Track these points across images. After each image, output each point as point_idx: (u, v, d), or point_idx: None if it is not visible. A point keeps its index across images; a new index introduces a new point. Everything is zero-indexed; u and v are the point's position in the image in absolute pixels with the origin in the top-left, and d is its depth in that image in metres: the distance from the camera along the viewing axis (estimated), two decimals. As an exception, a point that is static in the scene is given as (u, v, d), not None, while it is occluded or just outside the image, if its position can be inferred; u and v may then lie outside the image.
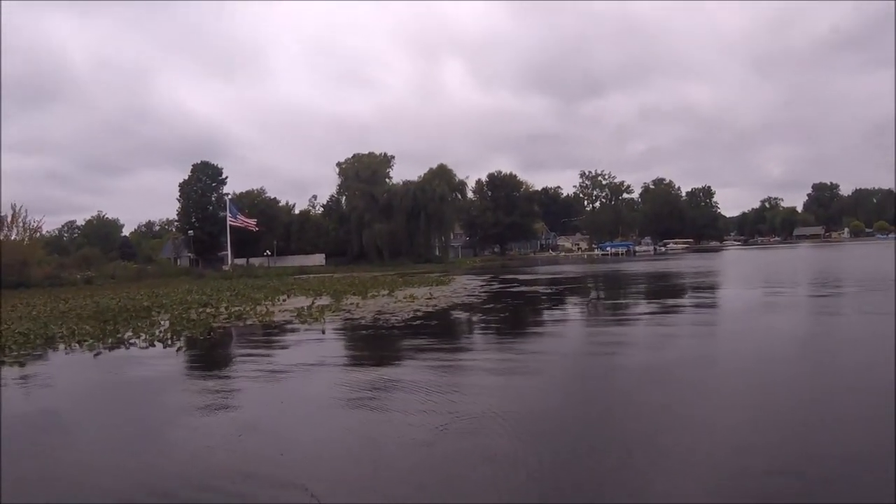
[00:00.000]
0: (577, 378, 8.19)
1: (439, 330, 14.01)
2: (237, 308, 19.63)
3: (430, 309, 17.87)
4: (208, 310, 19.29)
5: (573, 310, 18.13)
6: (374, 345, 12.22)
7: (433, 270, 52.42)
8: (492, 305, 19.34)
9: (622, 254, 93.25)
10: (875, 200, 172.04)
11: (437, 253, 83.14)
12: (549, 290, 25.33)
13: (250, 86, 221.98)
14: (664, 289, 24.46)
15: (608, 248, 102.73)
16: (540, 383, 7.79)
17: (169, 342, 12.76)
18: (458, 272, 48.57)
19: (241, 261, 73.56)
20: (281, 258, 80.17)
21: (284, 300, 22.79)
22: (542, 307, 19.08)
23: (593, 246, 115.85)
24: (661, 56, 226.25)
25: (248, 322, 16.29)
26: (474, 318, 15.96)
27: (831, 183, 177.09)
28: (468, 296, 22.81)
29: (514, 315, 16.83)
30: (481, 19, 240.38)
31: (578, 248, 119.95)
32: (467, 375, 8.51)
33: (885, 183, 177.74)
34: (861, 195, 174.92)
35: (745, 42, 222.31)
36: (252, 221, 67.50)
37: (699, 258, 60.47)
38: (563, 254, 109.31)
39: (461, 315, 16.58)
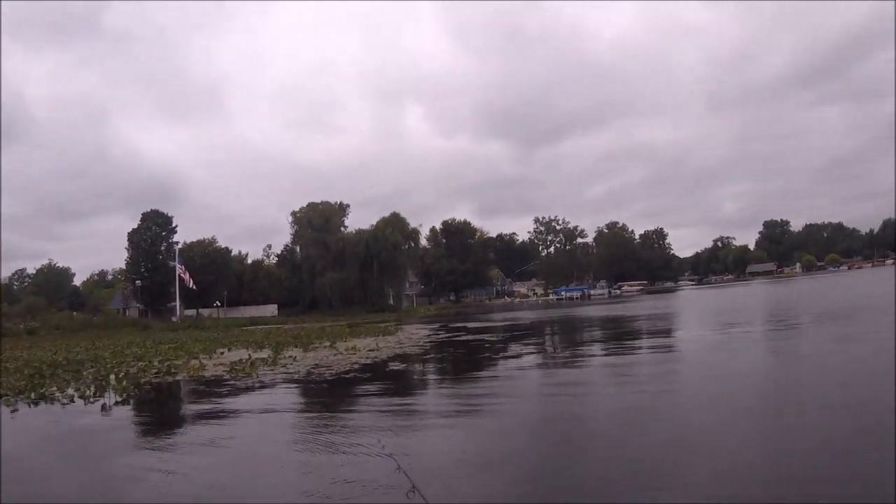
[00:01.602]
0: (485, 433, 8.22)
1: (368, 383, 13.93)
2: (169, 362, 19.20)
3: (367, 361, 17.78)
4: (140, 364, 18.90)
5: (512, 361, 17.33)
6: (294, 400, 12.12)
7: (385, 319, 52.24)
8: (432, 356, 19.36)
9: (577, 298, 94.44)
10: (825, 234, 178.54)
11: (391, 301, 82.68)
12: (494, 339, 25.41)
13: (207, 130, 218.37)
14: (615, 334, 24.51)
15: (563, 293, 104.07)
16: (450, 438, 7.84)
17: (91, 399, 12.58)
18: (410, 321, 48.51)
19: (191, 312, 71.96)
20: (232, 309, 78.49)
21: (223, 353, 22.39)
22: (482, 357, 18.99)
23: (549, 291, 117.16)
24: (619, 98, 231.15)
25: (178, 377, 15.98)
26: (410, 370, 15.90)
27: (781, 220, 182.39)
28: (412, 346, 22.76)
29: (451, 366, 16.89)
30: (442, 65, 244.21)
31: (534, 294, 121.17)
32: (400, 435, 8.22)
33: (836, 217, 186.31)
34: (812, 230, 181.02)
35: (700, 81, 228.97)
36: (188, 279, 67.05)
37: (653, 299, 61.70)
38: (518, 300, 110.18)
39: (398, 367, 16.48)
